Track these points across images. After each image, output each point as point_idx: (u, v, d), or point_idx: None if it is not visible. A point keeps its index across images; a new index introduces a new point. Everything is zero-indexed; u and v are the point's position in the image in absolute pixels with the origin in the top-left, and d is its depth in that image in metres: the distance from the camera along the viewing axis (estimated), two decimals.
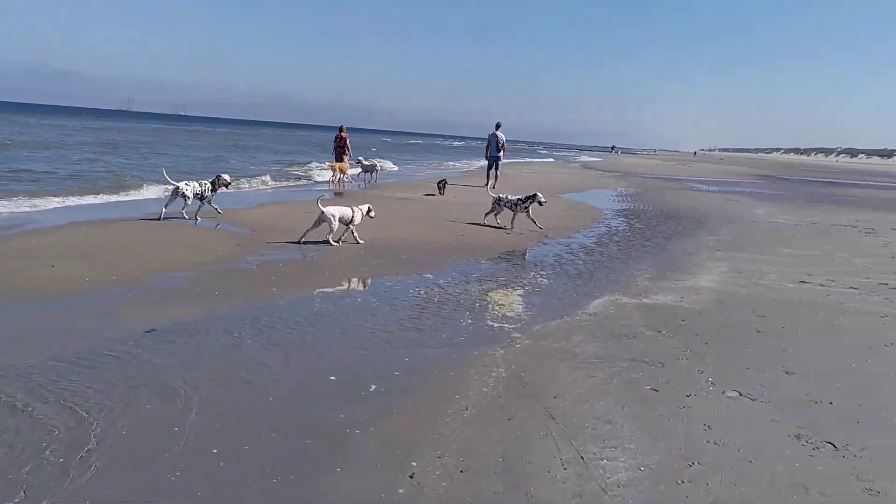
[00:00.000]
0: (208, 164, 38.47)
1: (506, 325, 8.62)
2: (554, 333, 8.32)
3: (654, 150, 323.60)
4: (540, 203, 17.32)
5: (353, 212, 13.76)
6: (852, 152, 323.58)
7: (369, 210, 14.17)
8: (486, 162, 30.45)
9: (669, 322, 9.08)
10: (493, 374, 6.80)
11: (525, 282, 11.24)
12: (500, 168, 30.10)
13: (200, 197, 15.82)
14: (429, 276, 11.23)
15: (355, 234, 13.80)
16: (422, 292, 10.07)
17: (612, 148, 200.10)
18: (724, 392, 6.58)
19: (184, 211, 15.77)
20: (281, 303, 9.13)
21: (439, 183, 26.37)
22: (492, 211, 17.79)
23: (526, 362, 7.18)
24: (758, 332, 8.81)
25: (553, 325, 8.70)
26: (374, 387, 6.33)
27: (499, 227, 17.16)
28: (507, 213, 17.67)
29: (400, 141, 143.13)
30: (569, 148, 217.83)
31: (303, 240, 13.38)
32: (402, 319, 8.61)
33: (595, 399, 6.26)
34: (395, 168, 46.71)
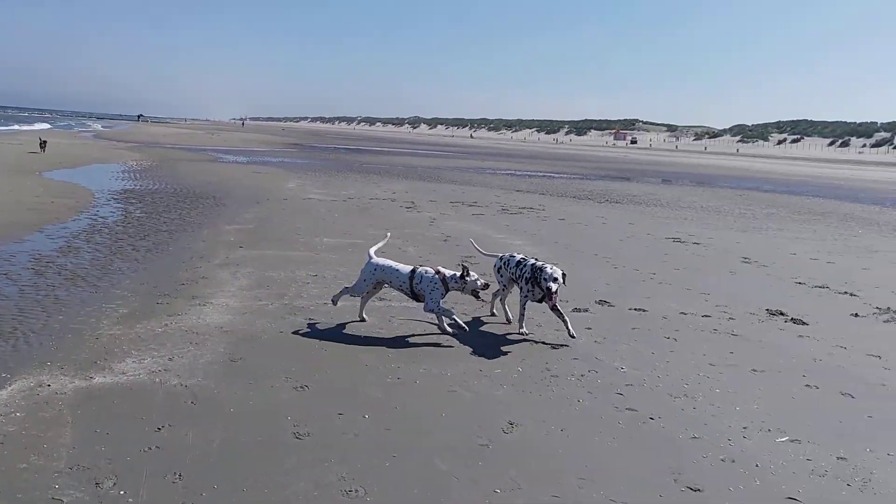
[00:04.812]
0: None
1: None
2: None
3: (186, 119, 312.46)
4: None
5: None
6: (371, 120, 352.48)
7: None
8: None
9: (128, 449, 4.52)
10: None
11: None
12: None
13: None
14: None
15: None
16: None
17: (140, 117, 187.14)
18: None
19: None
20: None
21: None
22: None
23: None
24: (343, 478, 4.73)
25: None
26: None
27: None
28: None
29: None
30: (86, 116, 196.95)
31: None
32: None
33: None
34: None
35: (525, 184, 30.81)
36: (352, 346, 6.78)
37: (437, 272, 7.19)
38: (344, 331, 7.23)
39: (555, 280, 6.97)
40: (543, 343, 7.20)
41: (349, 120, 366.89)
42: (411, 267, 7.38)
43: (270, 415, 5.08)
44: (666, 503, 4.15)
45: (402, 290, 7.44)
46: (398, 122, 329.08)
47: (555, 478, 4.37)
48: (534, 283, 7.19)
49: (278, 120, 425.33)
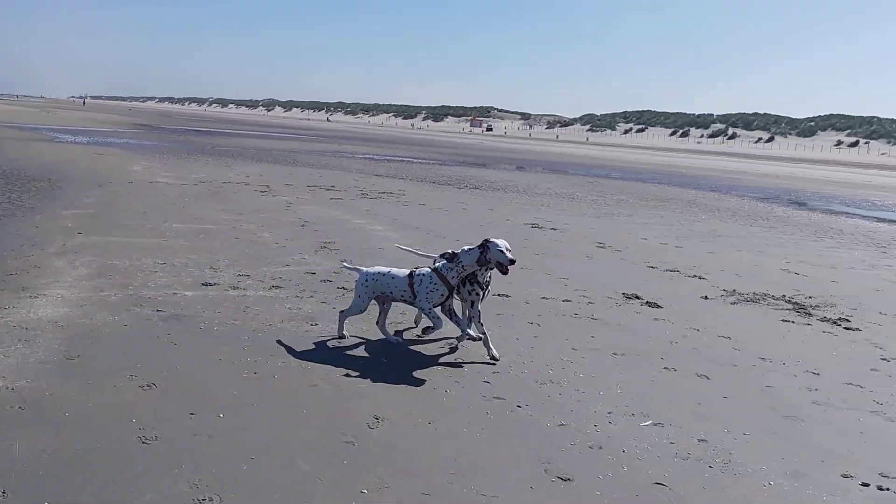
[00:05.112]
0: None
1: None
2: None
3: (17, 96, 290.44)
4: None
5: None
6: (223, 102, 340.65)
7: None
8: None
9: None
10: None
11: None
12: None
13: None
14: None
15: None
16: None
17: None
18: None
19: None
20: None
21: None
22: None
23: None
24: None
25: None
26: None
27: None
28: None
29: None
30: None
31: None
32: None
33: None
34: None
35: (384, 168, 30.58)
36: (204, 339, 6.32)
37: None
38: (195, 323, 6.75)
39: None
40: (409, 331, 7.03)
41: (200, 101, 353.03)
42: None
43: (113, 418, 4.61)
44: (537, 495, 4.06)
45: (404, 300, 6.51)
46: (252, 104, 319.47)
47: (424, 474, 4.19)
48: (472, 280, 6.45)
49: (124, 99, 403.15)
